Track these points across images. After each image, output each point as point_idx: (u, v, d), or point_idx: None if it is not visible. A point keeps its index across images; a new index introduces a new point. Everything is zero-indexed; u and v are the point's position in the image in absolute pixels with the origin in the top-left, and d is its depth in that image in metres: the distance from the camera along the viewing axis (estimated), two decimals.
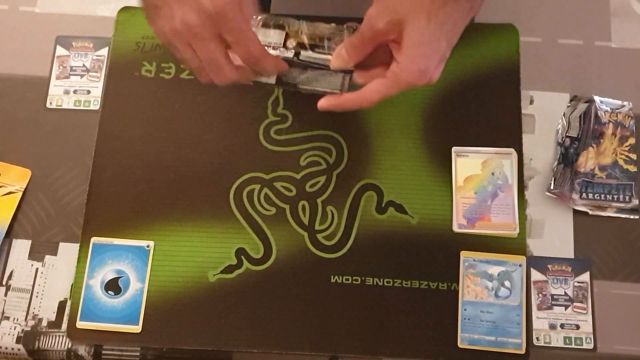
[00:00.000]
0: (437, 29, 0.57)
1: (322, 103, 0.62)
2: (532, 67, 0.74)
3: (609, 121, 0.71)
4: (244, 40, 0.56)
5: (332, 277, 0.67)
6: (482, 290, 0.67)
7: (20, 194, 0.70)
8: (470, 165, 0.70)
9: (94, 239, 0.69)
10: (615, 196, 0.69)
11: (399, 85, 0.59)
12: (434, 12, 0.57)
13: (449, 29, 0.58)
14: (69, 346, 0.66)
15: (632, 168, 0.70)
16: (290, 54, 0.61)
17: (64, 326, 0.67)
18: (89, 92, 0.74)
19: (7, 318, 0.67)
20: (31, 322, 0.67)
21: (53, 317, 0.67)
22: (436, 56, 0.58)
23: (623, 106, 0.72)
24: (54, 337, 0.67)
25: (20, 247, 0.69)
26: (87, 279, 0.67)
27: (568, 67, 0.75)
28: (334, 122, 0.72)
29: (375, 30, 0.57)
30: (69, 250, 0.69)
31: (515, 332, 0.65)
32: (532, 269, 0.68)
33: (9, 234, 0.70)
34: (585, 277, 0.68)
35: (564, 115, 0.73)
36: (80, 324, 0.66)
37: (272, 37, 0.61)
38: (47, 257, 0.69)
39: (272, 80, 0.62)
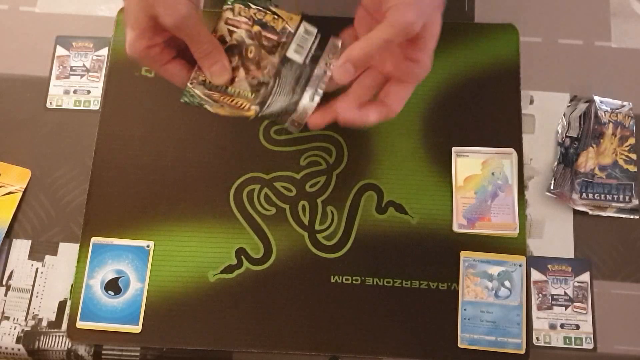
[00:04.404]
0: (439, 8, 0.58)
1: (344, 119, 0.59)
2: (532, 67, 0.74)
3: (609, 121, 0.71)
4: (164, 77, 0.60)
5: (332, 277, 0.67)
6: (482, 290, 0.67)
7: (20, 194, 0.70)
8: (470, 165, 0.70)
9: (94, 239, 0.69)
10: (615, 196, 0.69)
11: (418, 82, 0.59)
12: (442, 5, 0.57)
13: None
14: (69, 346, 0.66)
15: (632, 168, 0.70)
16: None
17: (64, 326, 0.67)
18: (89, 92, 0.74)
19: (7, 318, 0.67)
20: (31, 322, 0.67)
21: (53, 317, 0.67)
22: None
23: (623, 106, 0.72)
24: (54, 337, 0.67)
25: (20, 247, 0.69)
26: (87, 279, 0.67)
27: (568, 67, 0.75)
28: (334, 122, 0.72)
29: (410, 34, 0.55)
30: (69, 250, 0.69)
31: (515, 332, 0.65)
32: (532, 269, 0.68)
33: (9, 234, 0.70)
34: (585, 277, 0.68)
35: (564, 115, 0.73)
36: (80, 324, 0.66)
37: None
38: (47, 257, 0.69)
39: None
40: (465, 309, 0.66)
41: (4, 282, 0.68)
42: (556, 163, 0.71)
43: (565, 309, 0.67)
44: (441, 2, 0.58)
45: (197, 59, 0.58)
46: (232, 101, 0.59)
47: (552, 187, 0.70)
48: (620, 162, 0.70)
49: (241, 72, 0.59)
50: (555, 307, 0.67)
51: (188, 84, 0.59)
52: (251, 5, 0.59)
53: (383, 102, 0.59)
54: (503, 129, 0.72)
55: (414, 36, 0.55)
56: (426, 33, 0.56)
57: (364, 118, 0.59)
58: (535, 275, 0.68)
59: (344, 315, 0.66)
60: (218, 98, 0.59)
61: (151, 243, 0.68)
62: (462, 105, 0.73)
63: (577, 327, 0.66)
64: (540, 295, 0.67)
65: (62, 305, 0.68)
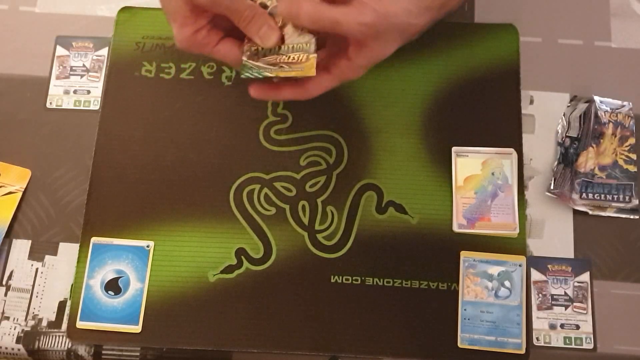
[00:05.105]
0: (400, 41, 0.58)
1: (256, 92, 0.60)
2: (532, 67, 0.74)
3: (609, 121, 0.71)
4: (215, 58, 0.59)
5: (332, 277, 0.67)
6: (482, 290, 0.67)
7: (20, 194, 0.70)
8: (470, 165, 0.70)
9: (94, 239, 0.69)
10: (615, 196, 0.69)
11: (341, 81, 0.59)
12: (404, 39, 0.58)
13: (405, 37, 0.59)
14: (69, 346, 0.66)
15: (632, 168, 0.70)
16: None
17: (64, 326, 0.67)
18: (89, 92, 0.74)
19: (7, 318, 0.67)
20: (31, 322, 0.67)
21: (53, 317, 0.67)
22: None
23: (623, 106, 0.72)
24: (54, 337, 0.67)
25: (20, 247, 0.69)
26: (87, 279, 0.67)
27: (568, 67, 0.75)
28: (334, 122, 0.72)
29: (359, 34, 0.55)
30: (69, 250, 0.69)
31: (515, 332, 0.65)
32: (532, 269, 0.68)
33: (9, 234, 0.70)
34: (585, 277, 0.68)
35: (564, 115, 0.73)
36: (80, 324, 0.66)
37: None
38: (47, 257, 0.69)
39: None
40: (465, 309, 0.66)
41: (4, 282, 0.68)
42: (556, 163, 0.71)
43: (565, 309, 0.67)
44: (407, 37, 0.58)
45: (243, 29, 0.57)
46: (289, 59, 0.58)
47: (552, 187, 0.70)
48: (620, 162, 0.70)
49: (289, 28, 0.58)
50: (555, 307, 0.67)
51: (243, 57, 0.58)
52: None
53: (303, 82, 0.60)
54: (503, 129, 0.72)
55: (362, 39, 0.55)
56: (375, 45, 0.56)
57: (276, 92, 0.60)
58: (535, 275, 0.68)
59: (344, 315, 0.66)
60: (275, 61, 0.58)
61: (151, 243, 0.68)
62: (462, 105, 0.73)
63: (577, 327, 0.66)
64: (540, 295, 0.67)
65: (62, 305, 0.68)
